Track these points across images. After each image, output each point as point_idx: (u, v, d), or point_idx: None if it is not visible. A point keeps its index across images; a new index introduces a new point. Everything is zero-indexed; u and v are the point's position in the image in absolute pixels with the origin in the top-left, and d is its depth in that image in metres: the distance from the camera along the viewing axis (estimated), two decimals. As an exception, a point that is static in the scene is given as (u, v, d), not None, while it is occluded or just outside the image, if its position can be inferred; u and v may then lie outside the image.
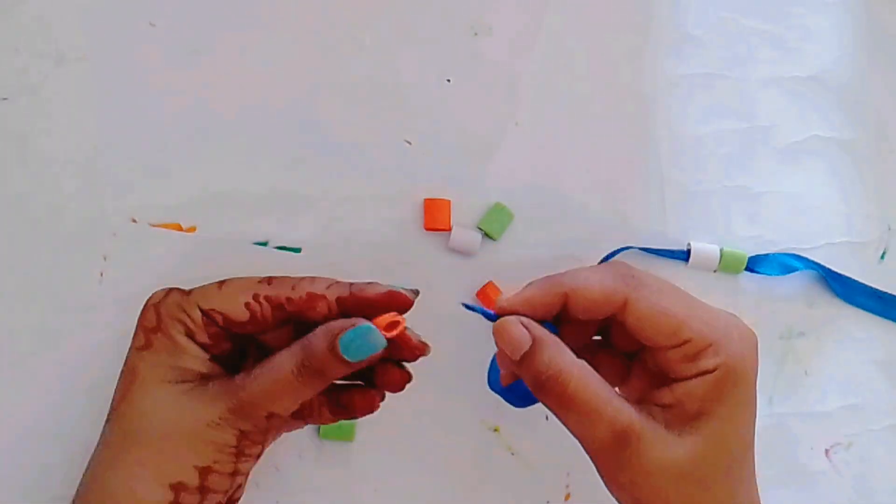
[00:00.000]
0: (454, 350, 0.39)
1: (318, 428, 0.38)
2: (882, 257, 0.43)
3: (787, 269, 0.41)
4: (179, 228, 0.39)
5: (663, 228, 0.41)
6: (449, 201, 0.40)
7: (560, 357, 0.29)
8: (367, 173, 0.40)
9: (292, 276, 0.33)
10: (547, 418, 0.40)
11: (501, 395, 0.36)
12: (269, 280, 0.32)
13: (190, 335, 0.32)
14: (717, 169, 0.42)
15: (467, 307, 0.32)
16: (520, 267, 0.40)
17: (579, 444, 0.31)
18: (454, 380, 0.39)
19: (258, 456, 0.32)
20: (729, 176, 0.42)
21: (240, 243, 0.39)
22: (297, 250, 0.39)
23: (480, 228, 0.40)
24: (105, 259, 0.38)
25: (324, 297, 0.31)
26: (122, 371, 0.32)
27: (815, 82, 0.43)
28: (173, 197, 0.39)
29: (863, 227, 0.43)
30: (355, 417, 0.34)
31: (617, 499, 0.31)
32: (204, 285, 0.33)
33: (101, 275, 0.38)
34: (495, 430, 0.40)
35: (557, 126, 0.41)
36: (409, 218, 0.40)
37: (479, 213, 0.40)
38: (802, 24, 0.44)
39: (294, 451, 0.38)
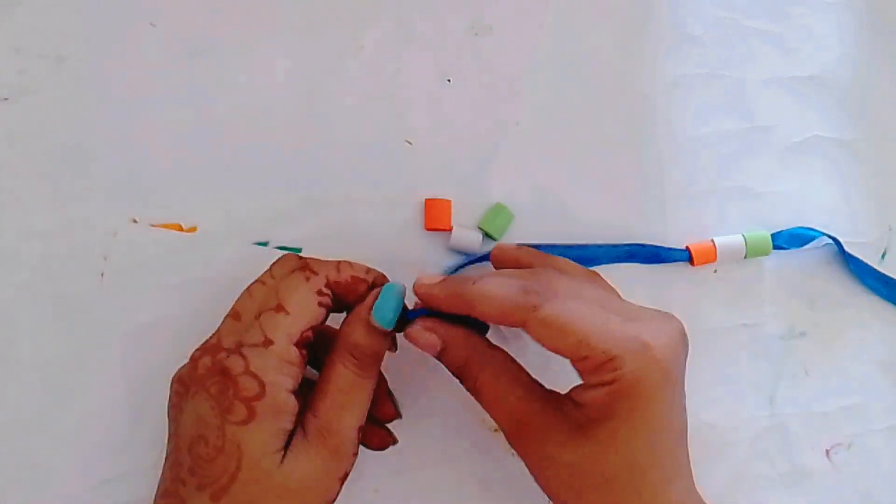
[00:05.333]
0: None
1: None
2: (882, 257, 0.43)
3: (805, 240, 0.42)
4: (180, 228, 0.39)
5: (663, 228, 0.41)
6: (449, 201, 0.40)
7: (466, 354, 0.33)
8: (367, 173, 0.40)
9: (325, 259, 0.34)
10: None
11: None
12: (312, 270, 0.33)
13: (294, 389, 0.31)
14: (717, 169, 0.42)
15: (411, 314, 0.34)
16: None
17: None
18: (454, 380, 0.39)
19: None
20: (729, 176, 0.42)
21: (240, 243, 0.39)
22: (298, 250, 0.39)
23: (481, 228, 0.40)
24: (105, 259, 0.38)
25: (365, 280, 0.33)
26: (218, 445, 0.30)
27: (816, 82, 0.43)
28: (174, 197, 0.39)
29: (863, 227, 0.43)
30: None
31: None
32: (269, 323, 0.31)
33: (102, 275, 0.38)
34: (495, 430, 0.40)
35: (557, 126, 0.41)
36: (409, 218, 0.40)
37: (479, 212, 0.40)
38: (803, 24, 0.44)
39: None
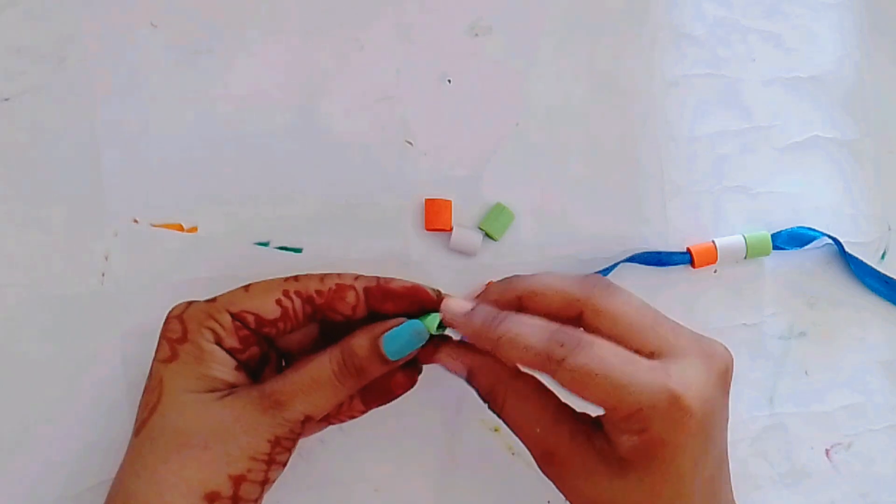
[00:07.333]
0: (455, 350, 0.39)
1: None
2: (882, 257, 0.43)
3: (805, 240, 0.42)
4: (181, 229, 0.39)
5: (663, 228, 0.41)
6: (450, 201, 0.40)
7: (494, 380, 0.32)
8: (367, 173, 0.40)
9: (314, 272, 0.33)
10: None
11: None
12: (296, 277, 0.33)
13: (218, 342, 0.32)
14: (716, 169, 0.42)
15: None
16: (521, 267, 0.40)
17: None
18: (454, 380, 0.39)
19: (286, 463, 0.32)
20: (729, 176, 0.42)
21: (241, 243, 0.39)
22: (299, 250, 0.39)
23: (481, 229, 0.40)
24: (107, 259, 0.38)
25: (352, 286, 0.33)
26: (147, 385, 0.32)
27: (816, 82, 0.43)
28: (174, 197, 0.39)
29: (863, 227, 0.43)
30: (394, 399, 0.34)
31: None
32: (229, 291, 0.33)
33: (103, 275, 0.38)
34: (495, 430, 0.40)
35: (557, 126, 0.41)
36: (409, 218, 0.40)
37: (479, 213, 0.40)
38: (803, 24, 0.44)
39: (294, 451, 0.38)
